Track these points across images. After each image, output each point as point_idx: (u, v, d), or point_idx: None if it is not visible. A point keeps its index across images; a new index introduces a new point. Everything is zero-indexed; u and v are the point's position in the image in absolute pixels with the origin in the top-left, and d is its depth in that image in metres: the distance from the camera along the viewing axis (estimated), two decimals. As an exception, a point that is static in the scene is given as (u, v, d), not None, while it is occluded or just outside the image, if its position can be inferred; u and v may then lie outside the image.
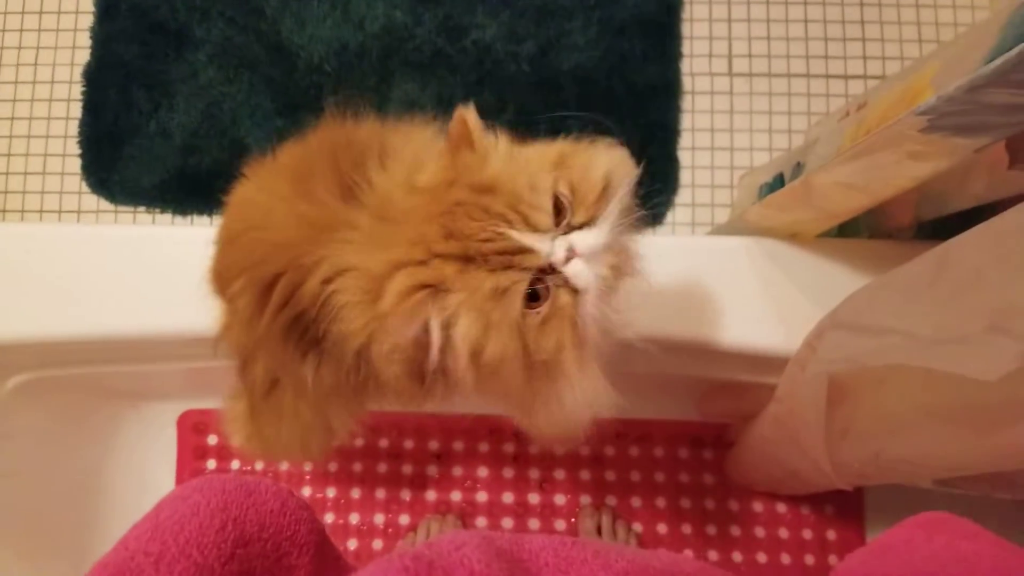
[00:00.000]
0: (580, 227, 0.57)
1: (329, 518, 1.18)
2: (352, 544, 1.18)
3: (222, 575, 0.49)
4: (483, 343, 0.55)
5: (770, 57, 1.31)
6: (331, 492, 1.20)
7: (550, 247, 0.55)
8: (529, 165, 0.58)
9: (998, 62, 0.57)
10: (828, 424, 0.79)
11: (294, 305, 0.65)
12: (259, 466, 1.20)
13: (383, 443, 1.21)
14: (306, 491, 1.19)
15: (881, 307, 0.68)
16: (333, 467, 1.20)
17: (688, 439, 1.21)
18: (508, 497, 1.20)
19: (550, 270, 0.56)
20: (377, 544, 1.18)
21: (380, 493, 1.20)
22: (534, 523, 1.19)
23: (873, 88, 1.26)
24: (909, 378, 0.68)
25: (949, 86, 0.62)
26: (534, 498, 1.20)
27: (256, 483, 0.57)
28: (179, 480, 1.18)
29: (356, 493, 1.19)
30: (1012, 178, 0.77)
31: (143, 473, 1.17)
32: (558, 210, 0.56)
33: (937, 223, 0.94)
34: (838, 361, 0.72)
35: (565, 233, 0.56)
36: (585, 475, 1.20)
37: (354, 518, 1.19)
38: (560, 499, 1.19)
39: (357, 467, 1.20)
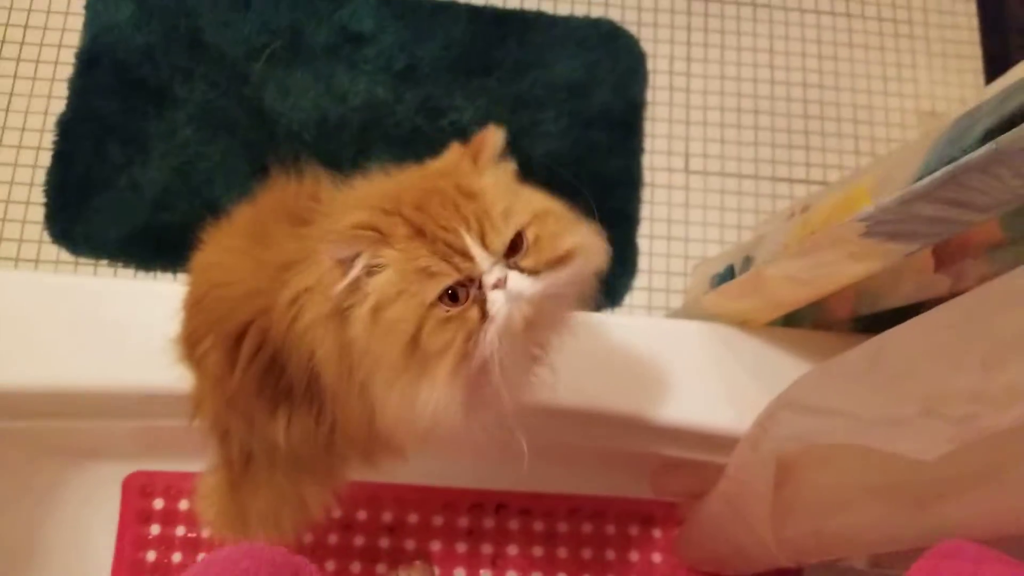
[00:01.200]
0: (523, 271, 0.60)
1: (275, 589, 1.14)
2: (297, 617, 1.14)
3: None
4: (390, 302, 0.59)
5: (723, 158, 1.41)
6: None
7: (488, 267, 0.59)
8: (515, 199, 0.63)
9: (926, 181, 0.66)
10: (775, 501, 0.84)
11: (265, 351, 0.67)
12: (205, 533, 1.16)
13: (335, 513, 1.19)
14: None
15: (826, 390, 0.74)
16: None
17: (640, 517, 1.23)
18: (460, 573, 1.19)
19: (477, 285, 0.59)
20: (323, 618, 1.15)
21: (330, 565, 1.17)
22: (486, 599, 1.18)
23: (816, 193, 1.37)
24: (851, 457, 0.74)
25: (885, 197, 0.71)
26: (486, 574, 1.19)
27: (301, 564, 0.57)
28: (119, 546, 1.13)
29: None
30: (937, 281, 0.86)
31: (81, 536, 1.12)
32: (515, 247, 0.61)
33: (871, 318, 1.02)
34: (788, 439, 0.77)
35: (508, 267, 0.60)
36: (538, 551, 1.21)
37: (301, 590, 1.15)
38: (511, 575, 1.19)
39: (307, 537, 1.17)
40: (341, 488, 0.84)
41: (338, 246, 0.59)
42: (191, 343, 0.73)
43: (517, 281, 0.59)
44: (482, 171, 0.64)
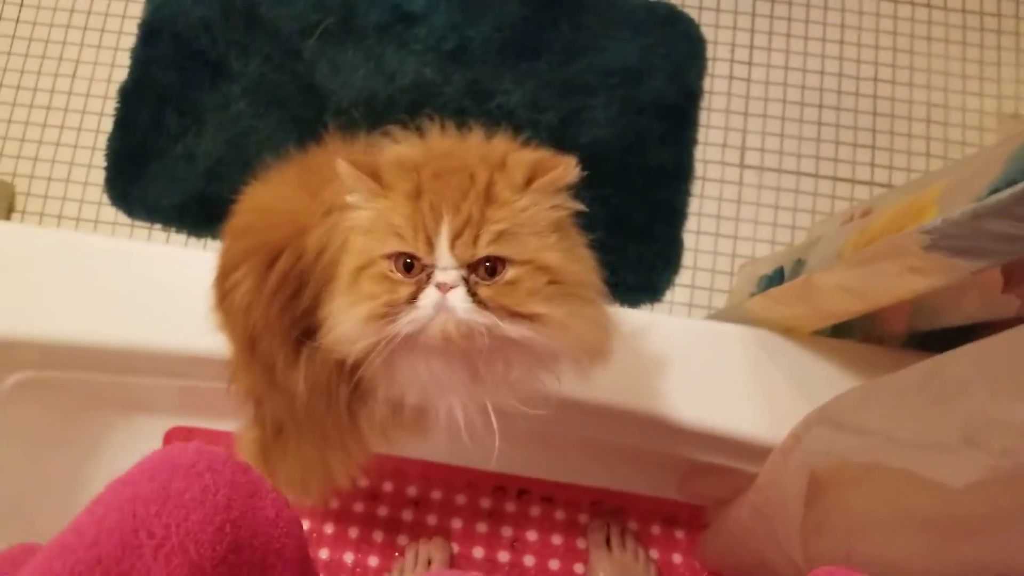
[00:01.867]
0: (474, 296, 0.58)
1: (299, 554, 1.19)
2: (318, 583, 1.18)
3: None
4: (360, 232, 0.62)
5: (782, 154, 1.35)
6: (305, 524, 1.20)
7: (442, 265, 0.58)
8: (528, 235, 0.60)
9: (1002, 195, 0.61)
10: (805, 518, 0.81)
11: (297, 274, 0.68)
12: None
13: (362, 483, 1.22)
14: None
15: (867, 409, 0.71)
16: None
17: (662, 516, 1.22)
18: (478, 552, 1.20)
19: (426, 274, 0.59)
20: (343, 585, 1.18)
21: (353, 532, 1.20)
22: (501, 583, 1.20)
23: (879, 196, 1.31)
24: (886, 481, 0.70)
25: (954, 210, 0.66)
26: (504, 556, 1.20)
27: (259, 484, 0.56)
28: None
29: (329, 529, 1.20)
30: (1004, 301, 0.80)
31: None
32: (492, 272, 0.59)
33: (928, 335, 0.97)
34: (821, 454, 0.75)
35: (466, 276, 0.59)
36: (557, 539, 1.21)
37: (324, 553, 1.19)
38: (529, 560, 1.20)
39: (334, 504, 1.21)
40: (366, 460, 0.86)
41: (346, 176, 0.61)
42: (225, 273, 0.74)
43: (456, 297, 0.58)
44: (528, 192, 0.60)
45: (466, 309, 0.57)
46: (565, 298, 0.60)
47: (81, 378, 1.07)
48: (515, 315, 0.59)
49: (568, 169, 0.60)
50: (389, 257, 0.59)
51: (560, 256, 0.60)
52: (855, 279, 0.84)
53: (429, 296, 0.58)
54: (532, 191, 0.60)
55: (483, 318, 0.58)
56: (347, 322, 0.61)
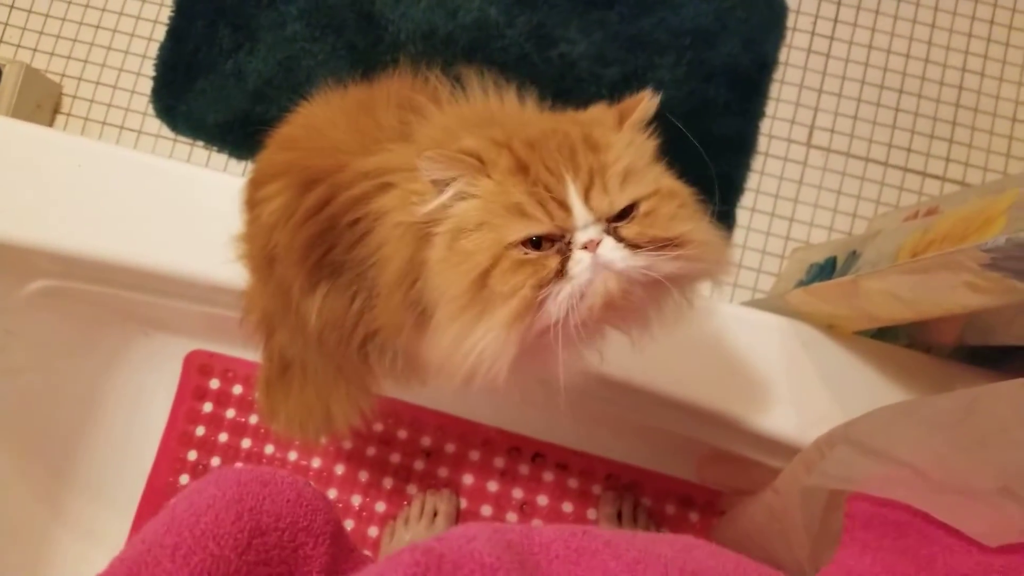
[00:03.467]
0: (622, 240, 0.54)
1: (308, 487, 1.18)
2: (324, 518, 1.18)
3: (239, 565, 0.49)
4: (469, 232, 0.55)
5: (852, 137, 1.28)
6: (316, 463, 1.19)
7: (583, 224, 0.54)
8: (644, 168, 0.57)
9: None
10: (822, 524, 0.77)
11: (328, 210, 0.64)
12: (253, 419, 1.20)
13: (377, 427, 1.20)
14: (292, 455, 1.19)
15: (898, 435, 0.65)
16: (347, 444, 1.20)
17: (677, 497, 1.19)
18: (487, 510, 1.19)
19: (565, 240, 0.54)
20: (349, 524, 1.17)
21: (363, 475, 1.19)
22: (506, 543, 1.18)
23: (948, 195, 1.23)
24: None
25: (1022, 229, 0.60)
26: (512, 516, 1.18)
27: (271, 474, 0.57)
28: (173, 415, 1.19)
29: (340, 469, 1.19)
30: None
31: (139, 399, 1.18)
32: (624, 214, 0.55)
33: (979, 350, 0.91)
34: (840, 480, 0.69)
35: (607, 232, 0.54)
36: (567, 507, 1.19)
37: (332, 493, 1.18)
38: (537, 524, 1.18)
39: (347, 444, 1.20)
40: (369, 406, 0.83)
41: (436, 165, 0.55)
42: (257, 183, 0.71)
43: (610, 249, 0.53)
44: (615, 131, 0.58)
45: (623, 256, 0.53)
46: (694, 214, 0.58)
47: (104, 292, 1.05)
48: (665, 243, 0.55)
49: (649, 101, 0.60)
50: (518, 243, 0.54)
51: (671, 178, 0.60)
52: (905, 287, 0.78)
53: (580, 260, 0.53)
54: (627, 128, 0.59)
55: (641, 260, 0.54)
56: (484, 339, 0.55)
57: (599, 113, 0.61)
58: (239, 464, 1.17)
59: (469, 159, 0.55)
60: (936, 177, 1.27)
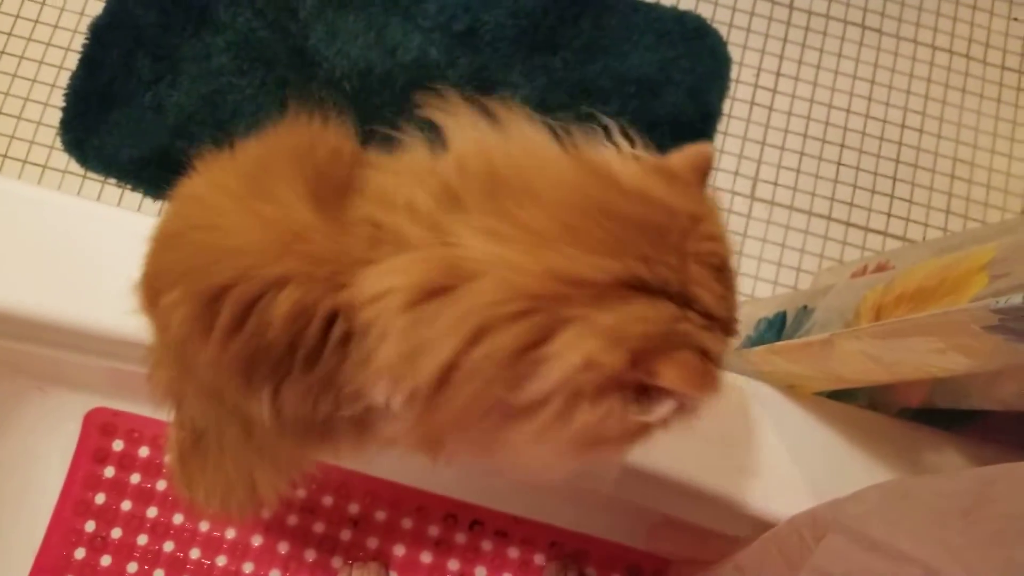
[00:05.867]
0: None
1: (221, 561, 1.07)
2: (238, 595, 1.06)
3: None
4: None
5: (795, 191, 1.27)
6: (230, 534, 1.08)
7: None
8: None
9: None
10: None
11: (259, 331, 0.55)
12: (161, 484, 1.09)
13: (300, 493, 1.10)
14: (203, 526, 1.08)
15: (900, 522, 0.59)
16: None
17: (625, 565, 1.12)
18: (419, 583, 1.09)
19: None
20: (265, 602, 1.06)
21: (283, 547, 1.08)
22: (440, 619, 1.08)
23: (896, 251, 1.22)
24: None
25: None
26: (447, 590, 1.09)
27: None
28: (69, 481, 1.06)
29: (257, 540, 1.08)
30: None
31: (31, 464, 1.05)
32: None
33: (942, 412, 0.88)
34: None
35: None
36: (507, 578, 1.10)
37: (248, 567, 1.07)
38: (474, 598, 1.09)
39: (265, 512, 1.09)
40: (300, 476, 0.74)
41: (654, 377, 0.46)
42: (154, 288, 0.60)
43: None
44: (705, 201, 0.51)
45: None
46: None
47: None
48: None
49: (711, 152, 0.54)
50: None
51: None
52: (885, 349, 0.74)
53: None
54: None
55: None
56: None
57: (658, 164, 0.51)
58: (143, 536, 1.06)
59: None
60: (878, 232, 1.27)
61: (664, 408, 0.47)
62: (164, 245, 0.61)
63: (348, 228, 0.52)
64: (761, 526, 0.81)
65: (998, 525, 0.49)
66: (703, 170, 0.52)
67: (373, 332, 0.48)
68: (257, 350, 0.56)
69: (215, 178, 0.60)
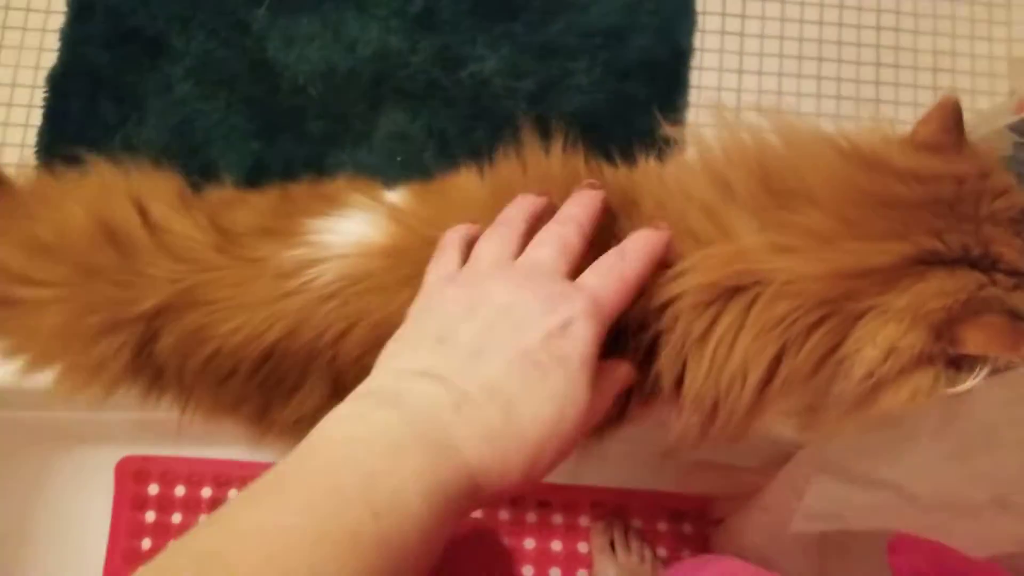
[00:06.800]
0: None
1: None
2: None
3: None
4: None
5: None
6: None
7: None
8: None
9: None
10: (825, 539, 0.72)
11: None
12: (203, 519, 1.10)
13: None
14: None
15: (878, 452, 0.59)
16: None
17: (668, 512, 1.13)
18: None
19: None
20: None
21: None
22: (500, 596, 1.11)
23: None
24: None
25: None
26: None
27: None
28: (113, 532, 1.08)
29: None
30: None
31: (72, 522, 1.07)
32: None
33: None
34: (826, 518, 0.64)
35: None
36: (556, 546, 1.12)
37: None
38: (528, 571, 1.11)
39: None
40: None
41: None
42: None
43: None
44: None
45: None
46: None
47: (10, 417, 0.94)
48: None
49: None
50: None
51: None
52: None
53: None
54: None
55: None
56: None
57: (921, 138, 0.51)
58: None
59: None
60: (869, 140, 1.25)
61: (979, 374, 0.46)
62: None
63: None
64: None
65: (962, 439, 0.50)
66: (958, 123, 0.50)
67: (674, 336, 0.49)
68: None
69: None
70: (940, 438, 0.52)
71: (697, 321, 0.48)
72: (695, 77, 1.25)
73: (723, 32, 1.26)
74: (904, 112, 1.25)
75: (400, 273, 0.53)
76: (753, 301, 0.47)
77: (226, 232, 0.59)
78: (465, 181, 0.59)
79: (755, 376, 0.47)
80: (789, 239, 0.47)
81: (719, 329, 0.47)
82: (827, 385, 0.47)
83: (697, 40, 1.26)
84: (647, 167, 0.59)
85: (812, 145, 0.52)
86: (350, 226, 0.56)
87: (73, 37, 1.19)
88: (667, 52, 1.23)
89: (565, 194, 0.50)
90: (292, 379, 0.57)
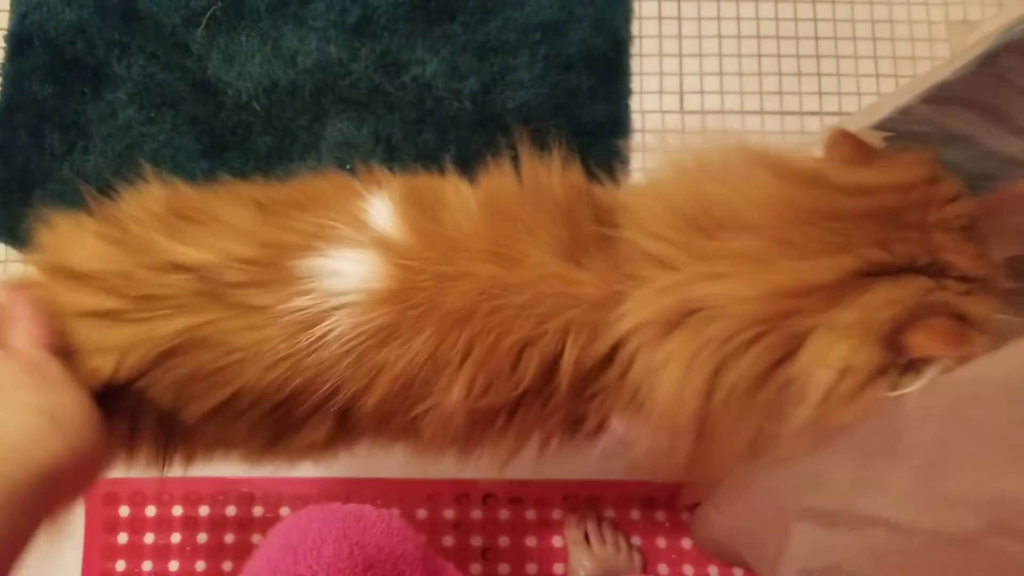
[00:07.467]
0: None
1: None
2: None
3: None
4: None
5: (723, 93, 1.25)
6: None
7: None
8: None
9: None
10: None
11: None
12: (176, 538, 1.10)
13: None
14: (226, 565, 1.09)
15: (837, 480, 0.55)
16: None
17: (640, 500, 1.13)
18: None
19: None
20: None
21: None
22: (477, 595, 1.10)
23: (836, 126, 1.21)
24: None
25: None
26: (476, 568, 1.11)
27: (361, 509, 0.60)
28: (87, 557, 1.08)
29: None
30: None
31: (45, 550, 1.07)
32: None
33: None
34: (824, 572, 0.58)
35: None
36: (531, 541, 1.12)
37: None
38: (504, 568, 1.11)
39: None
40: None
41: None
42: None
43: None
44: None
45: None
46: None
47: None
48: None
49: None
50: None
51: None
52: None
53: None
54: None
55: None
56: None
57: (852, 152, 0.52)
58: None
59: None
60: (814, 113, 1.25)
61: (928, 374, 0.46)
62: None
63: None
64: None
65: (918, 461, 0.48)
66: (860, 141, 0.51)
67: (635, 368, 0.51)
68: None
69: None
70: (896, 460, 0.49)
71: (641, 355, 0.50)
72: (636, 64, 1.26)
73: (660, 17, 1.27)
74: (847, 84, 1.26)
75: (409, 316, 0.53)
76: (690, 329, 0.48)
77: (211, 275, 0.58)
78: (456, 200, 0.59)
79: (693, 391, 0.48)
80: (720, 267, 0.48)
81: (660, 356, 0.49)
82: (779, 408, 0.48)
83: (635, 27, 1.26)
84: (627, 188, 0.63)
85: (748, 170, 0.53)
86: (347, 267, 0.55)
87: (14, 72, 1.20)
88: (606, 42, 1.24)
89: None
90: (305, 414, 0.57)
